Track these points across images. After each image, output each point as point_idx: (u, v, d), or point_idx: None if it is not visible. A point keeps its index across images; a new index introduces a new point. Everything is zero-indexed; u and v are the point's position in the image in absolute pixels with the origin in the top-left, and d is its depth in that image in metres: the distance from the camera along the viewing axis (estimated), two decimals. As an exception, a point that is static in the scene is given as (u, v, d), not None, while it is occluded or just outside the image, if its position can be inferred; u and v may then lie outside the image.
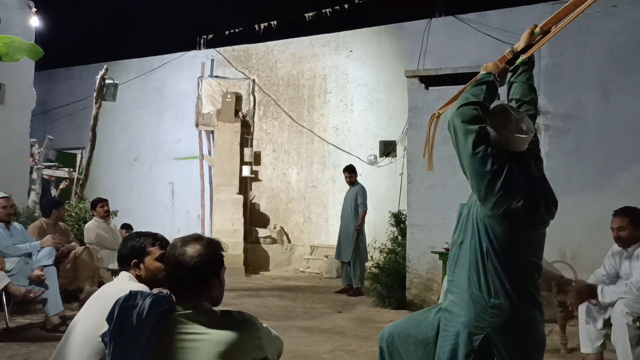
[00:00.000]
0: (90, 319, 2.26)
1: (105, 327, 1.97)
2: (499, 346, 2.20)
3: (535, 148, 2.43)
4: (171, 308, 1.86)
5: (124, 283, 2.37)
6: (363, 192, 8.18)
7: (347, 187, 8.45)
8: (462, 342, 2.20)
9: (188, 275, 1.88)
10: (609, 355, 4.19)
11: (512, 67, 2.60)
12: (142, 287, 2.28)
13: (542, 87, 6.65)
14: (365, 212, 8.11)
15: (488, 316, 2.19)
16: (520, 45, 2.57)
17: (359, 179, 8.54)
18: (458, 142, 2.28)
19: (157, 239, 2.51)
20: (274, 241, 11.19)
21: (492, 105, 2.39)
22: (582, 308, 4.17)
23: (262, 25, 11.69)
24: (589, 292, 4.10)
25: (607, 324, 4.04)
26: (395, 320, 2.64)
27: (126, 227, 7.49)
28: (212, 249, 1.93)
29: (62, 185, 10.02)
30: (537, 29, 2.55)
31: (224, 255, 1.99)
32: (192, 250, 1.90)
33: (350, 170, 8.29)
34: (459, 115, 2.28)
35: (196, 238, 1.95)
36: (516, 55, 2.57)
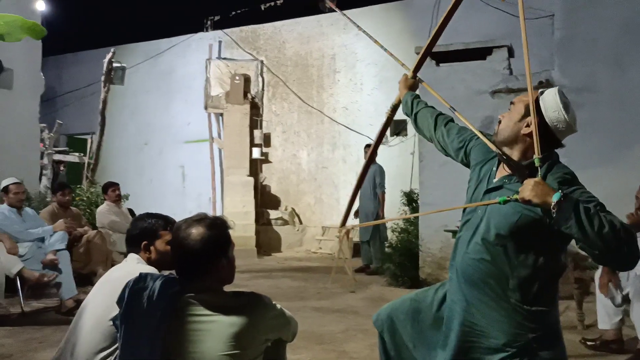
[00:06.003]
0: (100, 303, 2.24)
1: (115, 310, 1.95)
2: None
3: None
4: (181, 290, 1.82)
5: (132, 266, 2.33)
6: (381, 172, 8.12)
7: (359, 167, 8.36)
8: None
9: (194, 258, 1.84)
10: (628, 331, 4.15)
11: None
12: (150, 270, 2.25)
13: (555, 61, 6.51)
14: (384, 193, 8.05)
15: None
16: (401, 93, 2.70)
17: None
18: None
19: (168, 222, 2.45)
20: (285, 222, 11.19)
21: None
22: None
23: (267, 5, 11.57)
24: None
25: (626, 300, 3.99)
26: (389, 303, 2.51)
27: (130, 212, 7.45)
28: (217, 229, 1.88)
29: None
30: (410, 74, 2.68)
31: (230, 234, 1.94)
32: (196, 232, 1.84)
33: None
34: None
35: (199, 219, 1.89)
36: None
